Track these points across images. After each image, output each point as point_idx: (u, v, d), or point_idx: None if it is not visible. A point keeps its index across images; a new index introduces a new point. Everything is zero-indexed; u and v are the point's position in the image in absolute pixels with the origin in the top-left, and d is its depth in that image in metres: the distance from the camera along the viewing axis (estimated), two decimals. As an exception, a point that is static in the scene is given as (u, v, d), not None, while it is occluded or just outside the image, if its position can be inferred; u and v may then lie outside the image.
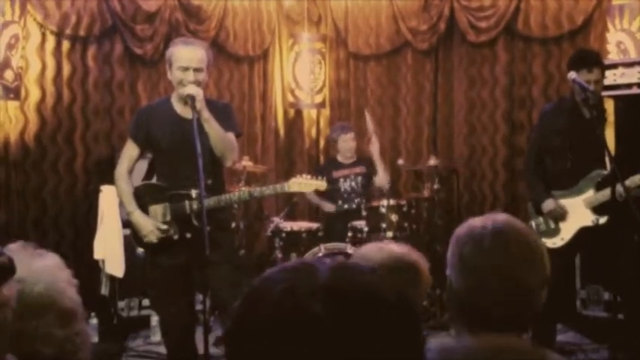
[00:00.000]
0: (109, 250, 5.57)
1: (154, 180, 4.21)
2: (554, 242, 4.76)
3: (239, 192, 4.28)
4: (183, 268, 4.11)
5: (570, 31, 6.31)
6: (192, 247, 4.01)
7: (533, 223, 4.87)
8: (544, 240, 4.78)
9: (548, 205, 4.76)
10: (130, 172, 4.23)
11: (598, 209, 4.63)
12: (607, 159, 4.46)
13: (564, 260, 4.75)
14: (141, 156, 4.26)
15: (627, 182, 4.24)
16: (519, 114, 6.68)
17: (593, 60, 4.67)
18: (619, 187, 4.13)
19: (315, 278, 0.90)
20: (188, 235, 4.11)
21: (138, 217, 4.11)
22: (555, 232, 4.76)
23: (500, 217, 1.77)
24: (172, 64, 4.05)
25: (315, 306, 0.87)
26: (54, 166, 6.32)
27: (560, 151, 4.75)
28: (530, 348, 1.71)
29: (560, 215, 4.73)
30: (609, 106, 4.67)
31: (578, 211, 4.68)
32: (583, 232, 4.68)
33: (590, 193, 4.66)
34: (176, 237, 4.13)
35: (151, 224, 4.09)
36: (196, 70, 4.02)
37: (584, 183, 4.68)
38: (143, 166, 4.39)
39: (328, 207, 6.48)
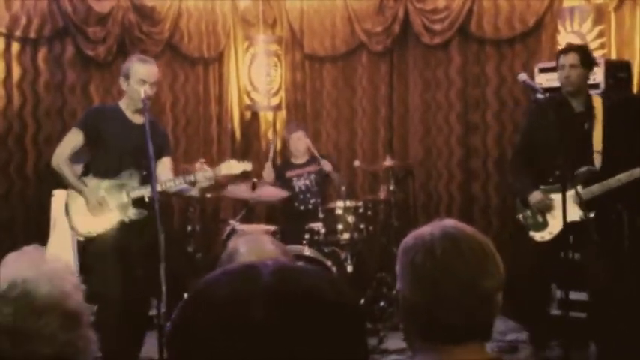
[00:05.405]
0: (61, 255, 5.47)
1: (90, 176, 4.69)
2: (542, 236, 4.77)
3: (173, 179, 4.70)
4: (123, 249, 4.58)
5: (522, 33, 6.38)
6: (131, 231, 4.62)
7: (520, 217, 4.89)
8: (532, 233, 4.83)
9: (535, 196, 4.78)
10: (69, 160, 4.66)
11: (585, 205, 4.66)
12: (594, 155, 4.57)
13: (546, 257, 4.77)
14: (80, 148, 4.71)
15: (621, 177, 4.46)
16: (473, 115, 6.74)
17: (570, 45, 4.78)
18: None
19: (256, 282, 0.89)
20: (126, 220, 4.63)
21: (88, 192, 4.61)
22: (543, 225, 4.78)
23: (447, 222, 1.67)
24: (131, 77, 4.60)
25: (257, 311, 0.87)
26: (5, 171, 6.18)
27: (548, 147, 4.75)
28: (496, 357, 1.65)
29: (547, 206, 4.75)
30: (598, 103, 4.76)
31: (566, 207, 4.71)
32: (569, 228, 4.69)
33: (578, 189, 4.68)
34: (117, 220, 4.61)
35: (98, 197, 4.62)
36: (152, 84, 4.60)
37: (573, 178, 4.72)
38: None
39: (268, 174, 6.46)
